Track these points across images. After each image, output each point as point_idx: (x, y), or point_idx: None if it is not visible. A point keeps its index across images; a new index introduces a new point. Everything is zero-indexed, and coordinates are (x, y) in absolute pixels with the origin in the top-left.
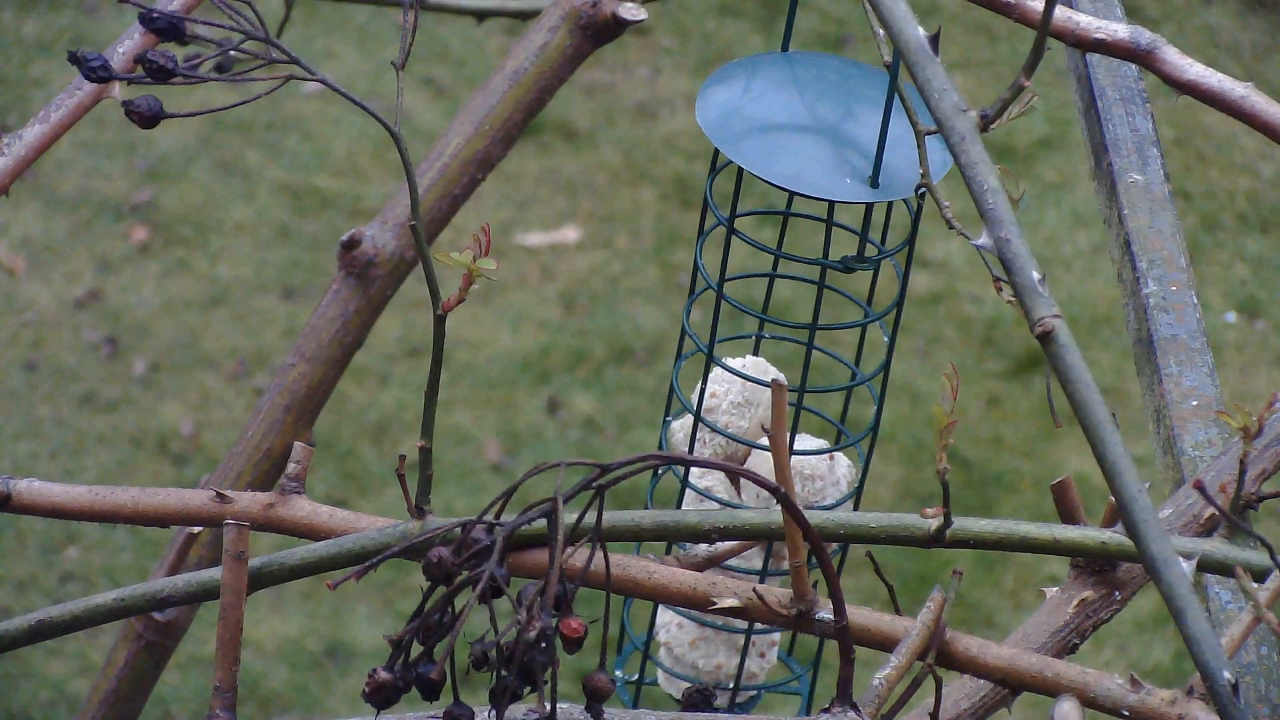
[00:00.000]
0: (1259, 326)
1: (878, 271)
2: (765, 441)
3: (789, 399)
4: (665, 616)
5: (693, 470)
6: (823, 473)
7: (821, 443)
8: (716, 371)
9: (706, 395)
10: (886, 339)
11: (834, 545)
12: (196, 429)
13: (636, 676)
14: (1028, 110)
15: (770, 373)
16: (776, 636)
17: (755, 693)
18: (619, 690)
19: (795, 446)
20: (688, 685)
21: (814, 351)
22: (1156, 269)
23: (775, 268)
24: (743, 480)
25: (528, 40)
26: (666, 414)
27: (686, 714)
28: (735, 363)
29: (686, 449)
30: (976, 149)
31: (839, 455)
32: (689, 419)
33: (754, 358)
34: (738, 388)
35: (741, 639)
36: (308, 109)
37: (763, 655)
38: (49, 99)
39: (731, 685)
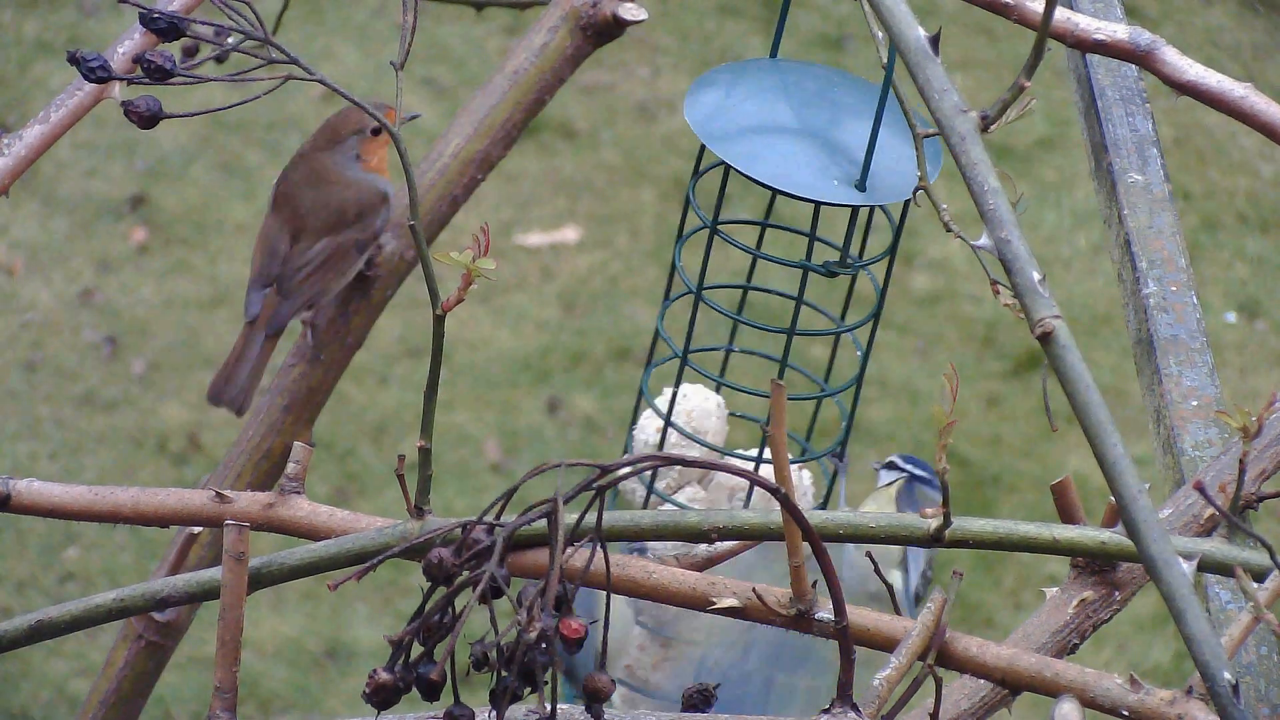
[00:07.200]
0: (1259, 326)
1: (855, 280)
2: (741, 451)
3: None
4: (634, 633)
5: (664, 483)
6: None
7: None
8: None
9: (652, 430)
10: (859, 353)
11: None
12: (196, 429)
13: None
14: (1026, 113)
15: (711, 400)
16: None
17: None
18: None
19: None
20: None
21: (790, 360)
22: (1156, 269)
23: (752, 270)
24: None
25: (528, 40)
26: (633, 423)
27: (686, 714)
28: (679, 392)
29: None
30: (977, 149)
31: (802, 469)
32: (651, 427)
33: (693, 386)
34: (682, 420)
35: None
36: (308, 109)
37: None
38: (49, 99)
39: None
